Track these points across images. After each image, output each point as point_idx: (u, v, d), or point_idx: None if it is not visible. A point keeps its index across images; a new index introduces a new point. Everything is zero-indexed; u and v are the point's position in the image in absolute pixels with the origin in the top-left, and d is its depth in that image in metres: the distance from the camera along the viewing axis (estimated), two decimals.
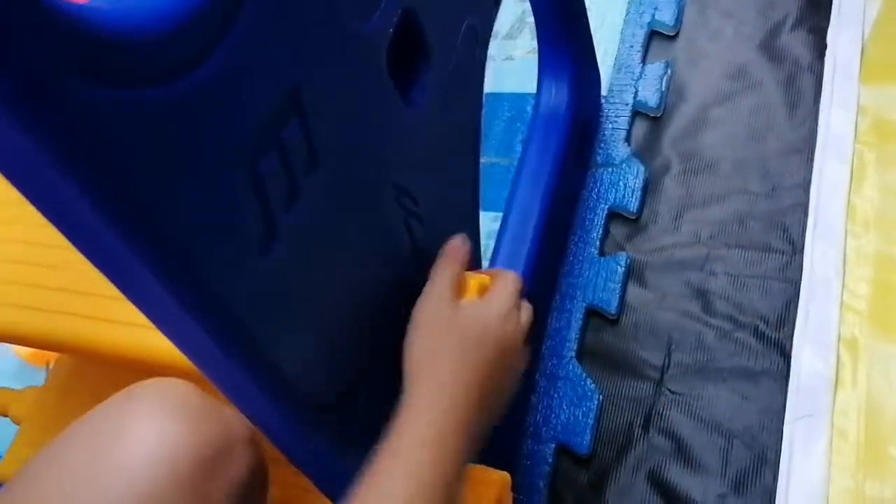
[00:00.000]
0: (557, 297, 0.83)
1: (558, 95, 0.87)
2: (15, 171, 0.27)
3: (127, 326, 0.59)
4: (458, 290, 0.51)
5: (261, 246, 0.35)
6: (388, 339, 0.48)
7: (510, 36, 1.07)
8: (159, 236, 0.30)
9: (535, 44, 1.05)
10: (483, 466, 0.60)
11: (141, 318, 0.35)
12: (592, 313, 0.82)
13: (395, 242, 0.48)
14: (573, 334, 0.80)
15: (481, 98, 0.60)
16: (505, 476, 0.63)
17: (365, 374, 0.47)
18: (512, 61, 1.04)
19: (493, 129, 0.99)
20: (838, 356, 0.71)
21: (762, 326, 0.76)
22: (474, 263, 0.61)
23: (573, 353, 0.79)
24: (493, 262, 0.80)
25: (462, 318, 0.48)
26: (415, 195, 0.50)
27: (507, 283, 0.52)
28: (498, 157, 0.97)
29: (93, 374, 0.82)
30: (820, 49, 0.90)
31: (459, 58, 0.54)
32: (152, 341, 0.57)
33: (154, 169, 0.29)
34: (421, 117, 0.49)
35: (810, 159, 0.83)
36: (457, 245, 0.53)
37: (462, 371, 0.46)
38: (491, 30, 0.61)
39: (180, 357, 0.38)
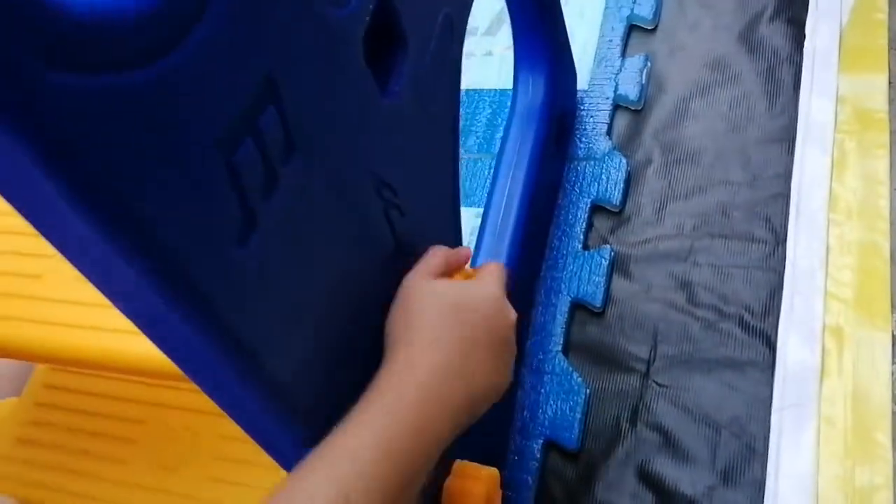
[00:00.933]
0: (542, 291, 0.83)
1: (535, 89, 0.86)
2: None
3: (111, 333, 0.58)
4: (446, 272, 0.51)
5: (240, 235, 0.34)
6: (370, 333, 0.47)
7: (489, 32, 1.06)
8: (134, 226, 0.29)
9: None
10: (471, 462, 0.59)
11: (125, 323, 0.34)
12: (578, 307, 0.82)
13: (376, 234, 0.48)
14: (559, 329, 0.80)
15: (458, 90, 0.59)
16: (493, 472, 0.62)
17: (346, 366, 0.46)
18: (491, 57, 1.04)
19: (475, 126, 0.99)
20: (823, 345, 0.71)
21: (747, 316, 0.75)
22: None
23: (559, 348, 0.79)
24: (475, 258, 0.79)
25: (450, 293, 0.47)
26: (394, 186, 0.49)
27: (494, 269, 0.51)
28: (480, 153, 0.97)
29: (71, 386, 0.80)
30: (799, 40, 0.91)
31: (436, 48, 0.53)
32: (137, 347, 0.56)
33: (126, 156, 0.28)
34: (399, 108, 0.48)
35: (791, 149, 0.84)
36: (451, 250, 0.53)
37: (445, 344, 0.43)
38: (466, 20, 0.60)
39: (165, 362, 0.37)
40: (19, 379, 0.83)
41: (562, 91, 0.90)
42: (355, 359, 0.46)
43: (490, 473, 0.62)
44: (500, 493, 0.62)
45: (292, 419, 0.42)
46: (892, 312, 0.71)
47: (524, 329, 0.80)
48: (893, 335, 0.70)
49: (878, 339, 0.70)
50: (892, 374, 0.68)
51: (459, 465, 0.58)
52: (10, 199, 0.28)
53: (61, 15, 0.25)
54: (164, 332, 0.35)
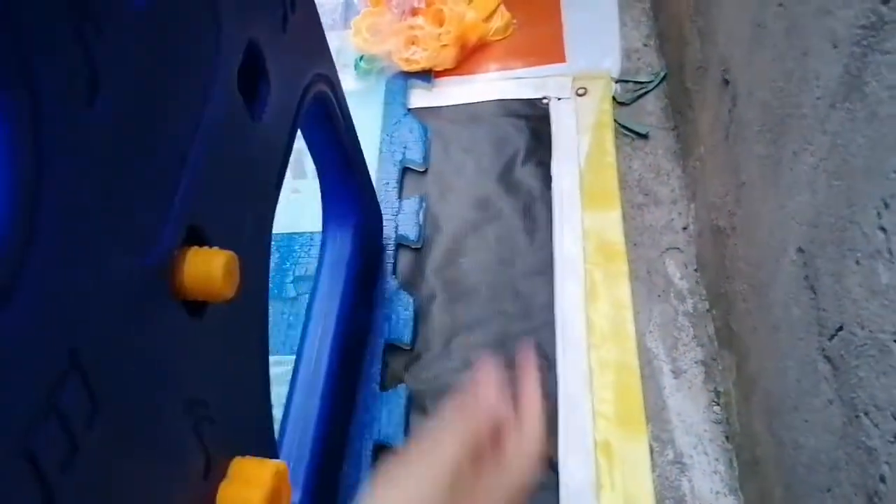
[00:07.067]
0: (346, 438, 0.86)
1: (342, 242, 0.90)
2: None
3: None
4: None
5: None
6: None
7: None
8: None
9: (295, 183, 1.10)
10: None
11: None
12: (381, 448, 0.85)
13: (185, 456, 0.48)
14: (365, 475, 0.83)
15: (267, 283, 0.62)
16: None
17: None
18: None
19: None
20: (597, 461, 0.81)
21: None
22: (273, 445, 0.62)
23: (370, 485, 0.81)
24: (286, 411, 0.80)
25: None
26: (207, 400, 0.50)
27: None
28: (270, 300, 0.98)
29: None
30: (547, 180, 1.04)
31: (246, 250, 0.56)
32: None
33: None
34: (209, 328, 0.50)
35: (552, 280, 0.95)
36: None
37: None
38: (274, 210, 0.63)
39: None
40: None
41: (370, 240, 0.95)
42: None
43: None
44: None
45: None
46: (647, 424, 0.83)
47: (332, 482, 0.82)
48: (650, 446, 0.81)
49: (639, 451, 0.81)
50: (654, 482, 0.79)
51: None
52: None
53: None
54: None
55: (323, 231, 0.91)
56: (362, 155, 0.91)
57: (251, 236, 0.57)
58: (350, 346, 0.87)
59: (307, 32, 0.71)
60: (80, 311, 0.36)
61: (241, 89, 0.55)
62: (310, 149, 0.85)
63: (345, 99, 0.83)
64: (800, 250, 0.59)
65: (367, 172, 0.94)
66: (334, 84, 0.79)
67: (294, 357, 0.85)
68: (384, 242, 1.01)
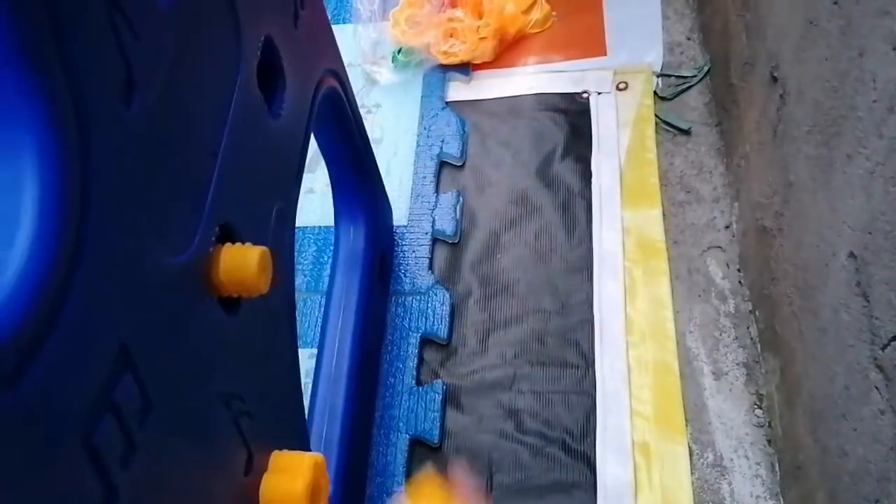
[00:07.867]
0: (381, 431, 0.86)
1: (356, 236, 0.91)
2: None
3: None
4: None
5: None
6: None
7: (308, 169, 1.10)
8: None
9: None
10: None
11: None
12: (416, 443, 0.86)
13: (230, 451, 0.49)
14: (400, 468, 0.83)
15: (293, 276, 0.62)
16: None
17: None
18: (313, 194, 1.08)
19: (301, 264, 1.01)
20: (634, 461, 0.80)
21: (569, 440, 0.83)
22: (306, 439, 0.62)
23: (402, 489, 0.82)
24: (311, 404, 0.81)
25: None
26: (242, 395, 0.50)
27: None
28: (308, 292, 0.99)
29: None
30: (586, 175, 1.03)
31: (273, 246, 0.56)
32: None
33: None
34: (242, 323, 0.50)
35: (590, 277, 0.94)
36: None
37: None
38: (296, 205, 0.64)
39: None
40: None
41: (381, 233, 0.95)
42: None
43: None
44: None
45: None
46: (687, 426, 0.82)
47: (362, 472, 0.83)
48: (689, 447, 0.80)
49: (678, 452, 0.80)
50: (693, 484, 0.78)
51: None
52: None
53: None
54: None
55: (336, 226, 0.91)
56: (371, 148, 0.91)
57: (276, 232, 0.57)
58: (369, 339, 0.87)
59: (317, 28, 0.71)
60: (127, 308, 0.37)
61: (259, 87, 0.55)
62: (320, 145, 0.85)
63: (353, 94, 0.83)
64: (851, 255, 0.58)
65: (377, 166, 0.94)
66: (343, 80, 0.79)
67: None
68: (423, 236, 1.01)
